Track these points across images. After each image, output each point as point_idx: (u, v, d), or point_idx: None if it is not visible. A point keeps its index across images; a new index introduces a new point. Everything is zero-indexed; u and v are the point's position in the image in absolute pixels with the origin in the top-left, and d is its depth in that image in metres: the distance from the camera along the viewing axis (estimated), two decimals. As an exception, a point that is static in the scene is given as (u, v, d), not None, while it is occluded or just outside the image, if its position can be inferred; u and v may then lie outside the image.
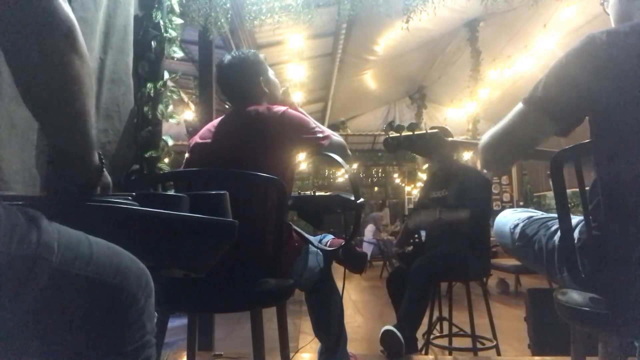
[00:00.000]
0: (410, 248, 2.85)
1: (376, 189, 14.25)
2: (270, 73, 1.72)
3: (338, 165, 1.57)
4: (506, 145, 1.10)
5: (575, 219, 1.04)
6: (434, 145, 1.37)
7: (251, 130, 1.54)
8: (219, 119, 1.70)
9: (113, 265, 0.65)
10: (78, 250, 0.61)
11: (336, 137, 1.65)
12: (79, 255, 0.61)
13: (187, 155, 1.66)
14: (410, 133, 1.39)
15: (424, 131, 1.39)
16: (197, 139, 1.66)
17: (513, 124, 1.06)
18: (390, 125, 1.44)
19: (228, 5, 2.75)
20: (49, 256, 0.57)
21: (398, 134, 1.41)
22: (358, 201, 1.53)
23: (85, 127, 0.69)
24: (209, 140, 1.61)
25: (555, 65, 1.01)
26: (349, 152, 1.71)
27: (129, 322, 0.65)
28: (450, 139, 1.57)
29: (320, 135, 1.57)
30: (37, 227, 0.57)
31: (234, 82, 1.66)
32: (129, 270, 0.66)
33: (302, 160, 1.79)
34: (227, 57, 1.67)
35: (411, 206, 11.24)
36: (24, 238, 0.55)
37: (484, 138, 1.13)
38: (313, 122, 1.60)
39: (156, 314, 1.40)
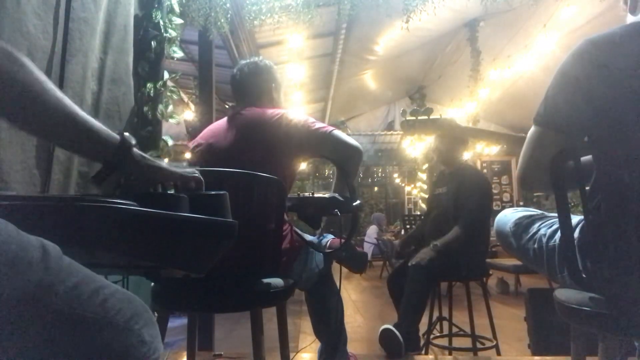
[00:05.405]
0: (413, 248, 2.87)
1: (376, 189, 14.26)
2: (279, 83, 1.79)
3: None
4: (536, 172, 1.05)
5: (575, 219, 1.04)
6: (448, 130, 1.40)
7: (252, 131, 1.55)
8: (220, 120, 1.71)
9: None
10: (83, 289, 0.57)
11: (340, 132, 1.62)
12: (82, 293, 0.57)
13: (188, 156, 1.67)
14: (426, 117, 1.43)
15: (439, 116, 1.42)
16: (198, 140, 1.67)
17: (532, 149, 1.04)
18: (405, 112, 1.50)
19: (228, 5, 2.75)
20: (49, 297, 0.54)
21: (414, 117, 1.45)
22: (354, 203, 1.53)
23: (65, 112, 0.67)
24: (210, 141, 1.61)
25: (554, 78, 1.00)
26: (355, 143, 1.59)
27: None
28: (463, 125, 1.59)
29: (321, 125, 1.58)
30: (45, 266, 0.54)
31: (251, 83, 1.71)
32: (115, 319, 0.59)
33: (303, 160, 1.76)
34: (246, 61, 1.77)
35: (411, 206, 11.23)
36: (26, 276, 0.52)
37: (518, 169, 1.10)
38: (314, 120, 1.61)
39: (156, 314, 1.40)
